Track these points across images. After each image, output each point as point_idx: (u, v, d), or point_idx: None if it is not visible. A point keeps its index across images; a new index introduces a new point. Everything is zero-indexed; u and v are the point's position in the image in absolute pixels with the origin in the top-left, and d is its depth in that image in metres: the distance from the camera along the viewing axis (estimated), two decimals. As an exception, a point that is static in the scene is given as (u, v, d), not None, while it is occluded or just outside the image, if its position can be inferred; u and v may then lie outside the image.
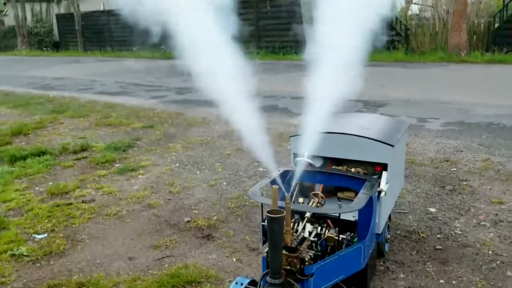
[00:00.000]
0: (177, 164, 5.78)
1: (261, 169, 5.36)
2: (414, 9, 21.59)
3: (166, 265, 3.44)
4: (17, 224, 4.19)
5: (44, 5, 33.98)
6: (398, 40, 17.78)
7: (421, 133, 6.68)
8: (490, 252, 3.40)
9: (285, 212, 2.26)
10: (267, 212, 2.21)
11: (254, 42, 21.36)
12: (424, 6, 20.97)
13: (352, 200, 2.90)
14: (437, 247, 3.50)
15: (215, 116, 7.90)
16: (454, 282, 3.06)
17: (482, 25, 16.81)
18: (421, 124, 7.22)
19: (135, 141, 6.87)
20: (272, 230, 2.21)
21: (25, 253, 3.66)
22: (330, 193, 3.30)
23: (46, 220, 4.27)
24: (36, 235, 3.99)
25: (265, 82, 11.75)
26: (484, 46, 16.43)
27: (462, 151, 5.76)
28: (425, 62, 15.61)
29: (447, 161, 5.41)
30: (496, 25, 16.67)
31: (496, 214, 3.99)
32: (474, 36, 16.65)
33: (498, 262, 3.26)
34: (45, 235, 3.99)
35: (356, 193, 2.82)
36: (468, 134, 6.53)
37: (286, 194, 2.41)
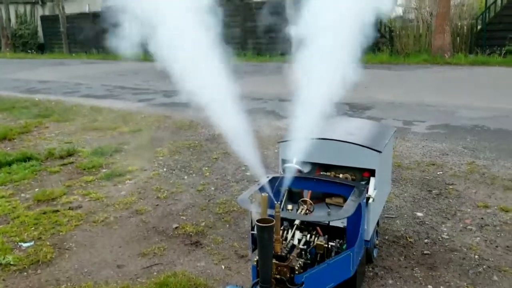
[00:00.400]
0: (165, 169, 5.76)
1: (248, 174, 5.36)
2: (398, 11, 21.79)
3: (155, 273, 3.43)
4: (3, 232, 4.14)
5: (28, 6, 33.63)
6: (382, 42, 17.93)
7: (407, 136, 6.75)
8: (476, 256, 3.44)
9: (274, 221, 2.27)
10: (257, 221, 2.21)
11: (240, 43, 21.39)
12: (407, 8, 21.18)
13: (341, 206, 2.93)
14: (425, 252, 3.54)
15: (202, 119, 7.89)
16: (441, 287, 3.10)
17: (465, 27, 17.03)
18: (407, 127, 7.29)
19: (122, 146, 6.83)
20: (262, 239, 2.22)
21: (11, 262, 3.61)
22: (319, 199, 3.32)
23: (33, 228, 4.22)
24: (22, 244, 3.94)
25: (251, 84, 11.79)
26: (467, 48, 16.65)
27: (447, 154, 5.83)
28: (410, 64, 15.77)
29: (433, 164, 5.47)
30: (479, 27, 16.89)
31: (482, 218, 4.04)
32: (458, 38, 16.85)
33: (484, 267, 3.30)
34: (32, 243, 3.95)
35: (345, 199, 2.84)
36: (453, 137, 6.60)
37: (275, 202, 2.42)
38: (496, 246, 3.58)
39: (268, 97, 10.39)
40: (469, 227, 3.91)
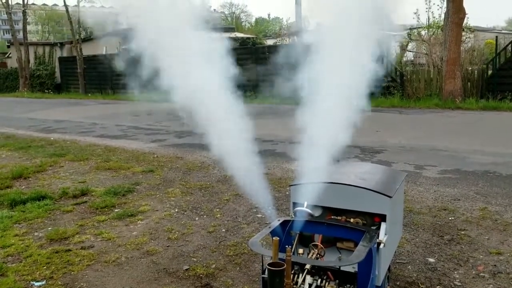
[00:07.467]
0: (176, 210, 5.80)
1: (259, 215, 5.38)
2: (409, 56, 22.12)
3: (165, 315, 3.43)
4: (16, 271, 4.18)
5: (47, 48, 34.64)
6: (393, 86, 18.11)
7: (418, 180, 6.74)
8: (489, 304, 3.40)
9: (285, 265, 2.29)
10: (268, 265, 2.24)
11: (252, 86, 21.71)
12: (418, 53, 21.48)
13: (351, 250, 2.93)
14: (437, 299, 3.50)
15: (213, 160, 7.98)
16: (454, 335, 3.06)
17: (475, 72, 17.18)
18: (418, 171, 7.29)
19: (134, 186, 6.90)
20: (273, 283, 2.24)
21: (23, 301, 3.64)
22: (330, 243, 3.33)
23: (45, 267, 4.25)
24: (34, 283, 3.97)
25: (262, 126, 11.90)
26: (478, 93, 16.72)
27: (459, 199, 5.81)
28: (421, 108, 15.86)
29: (445, 209, 5.45)
30: (490, 72, 17.02)
31: (495, 265, 4.01)
32: (468, 83, 16.98)
33: (497, 315, 3.26)
34: (44, 282, 3.98)
35: (356, 244, 2.85)
36: (465, 182, 6.59)
37: (286, 246, 2.45)
38: (510, 295, 3.54)
39: (279, 139, 10.48)
40: (481, 274, 3.87)
